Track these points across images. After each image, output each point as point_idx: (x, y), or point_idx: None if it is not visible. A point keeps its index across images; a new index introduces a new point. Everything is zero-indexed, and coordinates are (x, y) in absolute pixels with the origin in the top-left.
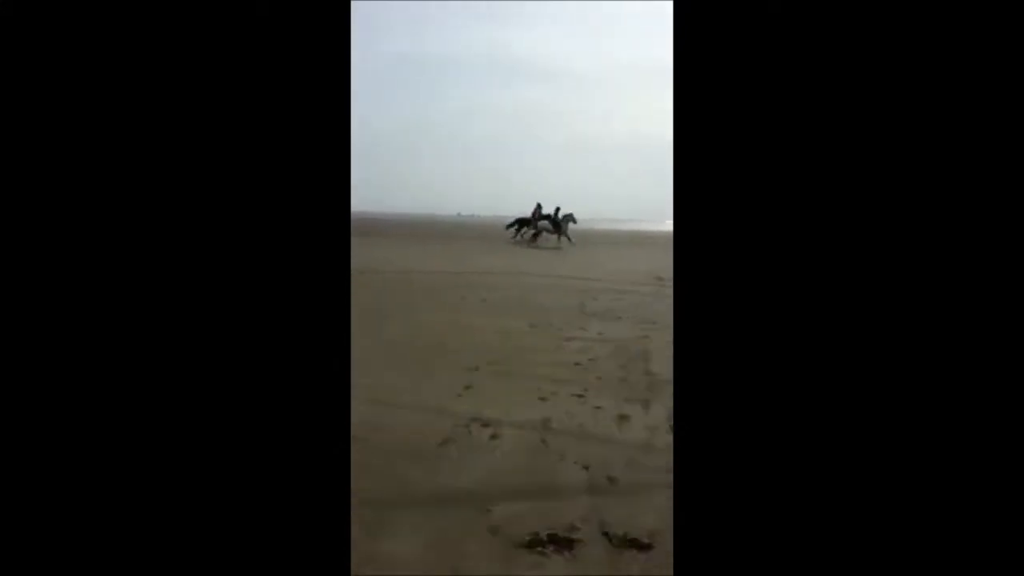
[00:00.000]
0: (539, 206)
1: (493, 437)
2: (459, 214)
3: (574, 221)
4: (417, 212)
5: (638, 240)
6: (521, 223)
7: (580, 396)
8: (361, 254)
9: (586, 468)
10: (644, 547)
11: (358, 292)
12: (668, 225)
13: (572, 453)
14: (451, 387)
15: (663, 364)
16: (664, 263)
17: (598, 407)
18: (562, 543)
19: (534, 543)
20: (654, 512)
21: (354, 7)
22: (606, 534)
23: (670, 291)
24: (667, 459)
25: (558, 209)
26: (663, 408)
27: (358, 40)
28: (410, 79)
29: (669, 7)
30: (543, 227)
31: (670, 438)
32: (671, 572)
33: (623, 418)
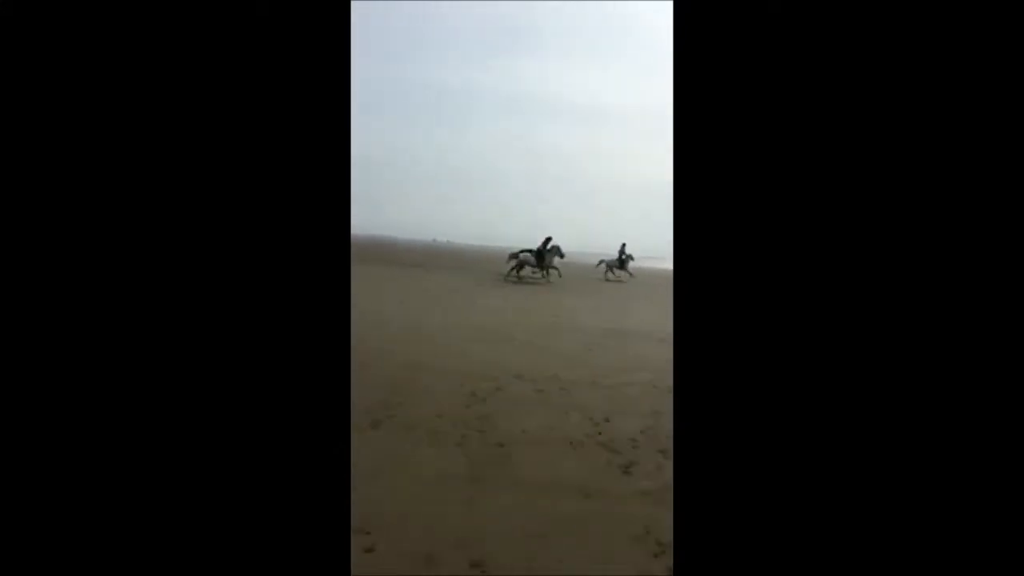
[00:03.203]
0: (548, 240)
1: None
2: (435, 239)
3: (560, 255)
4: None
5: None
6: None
7: None
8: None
9: None
10: None
11: None
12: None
13: None
14: None
15: None
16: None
17: None
18: None
19: None
20: None
21: (361, 30)
22: None
23: None
24: None
25: (548, 240)
26: None
27: (363, 63)
28: (419, 107)
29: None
30: (524, 260)
31: None
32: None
33: None
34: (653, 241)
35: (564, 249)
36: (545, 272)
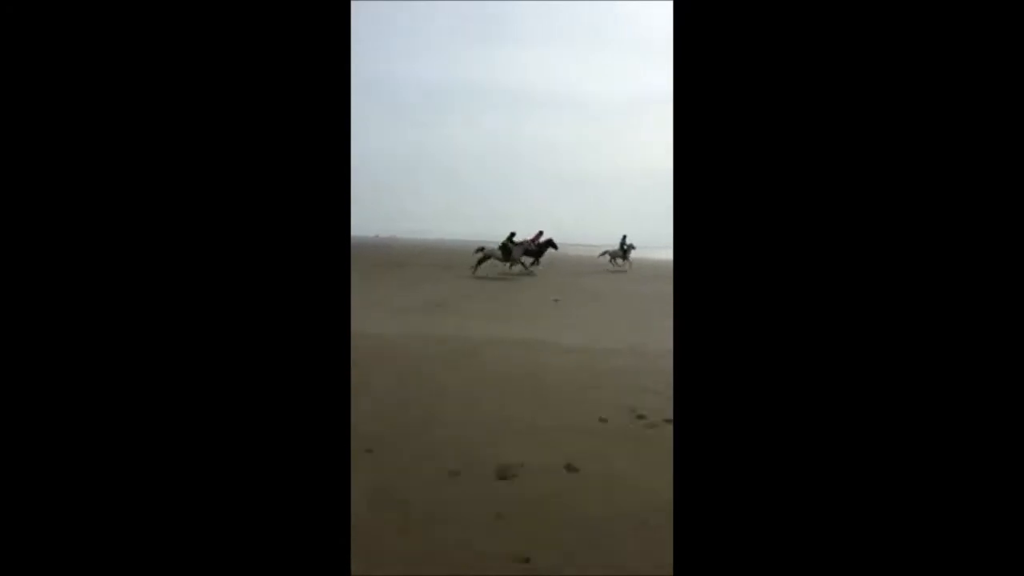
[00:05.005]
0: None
1: None
2: (377, 235)
3: (555, 247)
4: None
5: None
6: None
7: None
8: None
9: None
10: None
11: None
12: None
13: None
14: None
15: None
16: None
17: None
18: None
19: None
20: None
21: (361, 30)
22: None
23: None
24: None
25: (540, 233)
26: None
27: (363, 63)
28: (400, 104)
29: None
30: (490, 253)
31: None
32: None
33: None
34: (647, 231)
35: (555, 241)
36: (510, 266)
